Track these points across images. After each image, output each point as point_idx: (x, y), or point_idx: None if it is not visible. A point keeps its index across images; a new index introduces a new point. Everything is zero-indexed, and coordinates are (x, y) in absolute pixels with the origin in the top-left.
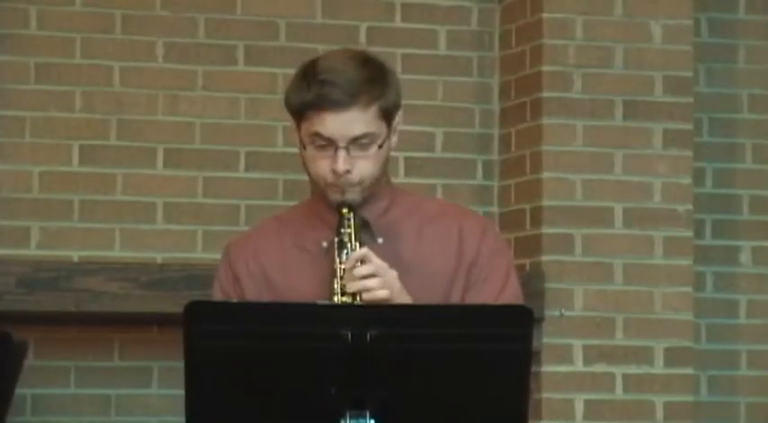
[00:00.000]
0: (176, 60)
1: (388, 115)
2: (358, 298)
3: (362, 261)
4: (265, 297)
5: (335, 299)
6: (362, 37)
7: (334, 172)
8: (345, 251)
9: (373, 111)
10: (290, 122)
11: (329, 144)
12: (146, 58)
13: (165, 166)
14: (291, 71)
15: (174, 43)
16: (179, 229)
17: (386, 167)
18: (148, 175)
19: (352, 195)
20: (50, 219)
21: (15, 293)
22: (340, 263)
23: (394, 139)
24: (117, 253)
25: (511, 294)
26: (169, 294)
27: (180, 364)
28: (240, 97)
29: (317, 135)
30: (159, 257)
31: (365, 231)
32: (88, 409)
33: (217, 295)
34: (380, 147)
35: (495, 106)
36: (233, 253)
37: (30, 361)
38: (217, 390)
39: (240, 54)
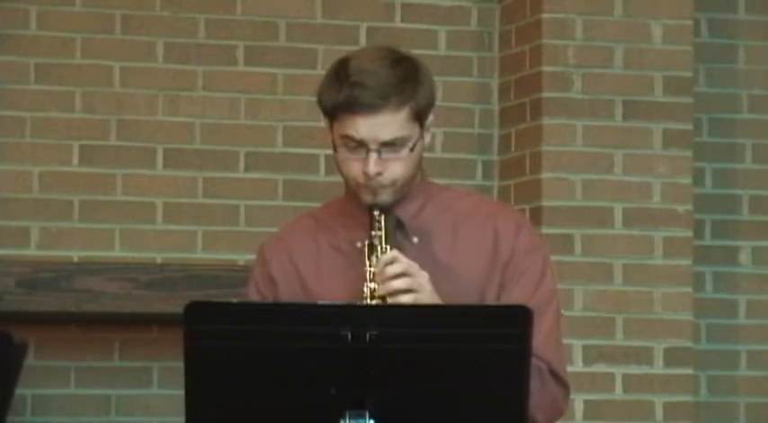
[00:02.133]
0: (176, 60)
1: (420, 116)
2: (387, 301)
3: (392, 263)
4: (299, 298)
5: (366, 303)
6: (362, 37)
7: (365, 174)
8: (376, 254)
9: (405, 113)
10: (293, 122)
11: (360, 146)
12: (146, 58)
13: (165, 166)
14: (291, 71)
15: (174, 43)
16: (179, 229)
17: (419, 166)
18: (148, 175)
19: (385, 197)
20: (50, 219)
21: (15, 293)
22: (370, 266)
23: (427, 137)
24: (117, 253)
25: (546, 291)
26: (169, 294)
27: (180, 364)
28: (240, 97)
29: (348, 137)
30: (159, 257)
31: (400, 231)
32: (88, 409)
33: (252, 296)
34: (412, 149)
35: (495, 106)
36: (268, 253)
37: (30, 361)
38: (217, 390)
39: (240, 54)
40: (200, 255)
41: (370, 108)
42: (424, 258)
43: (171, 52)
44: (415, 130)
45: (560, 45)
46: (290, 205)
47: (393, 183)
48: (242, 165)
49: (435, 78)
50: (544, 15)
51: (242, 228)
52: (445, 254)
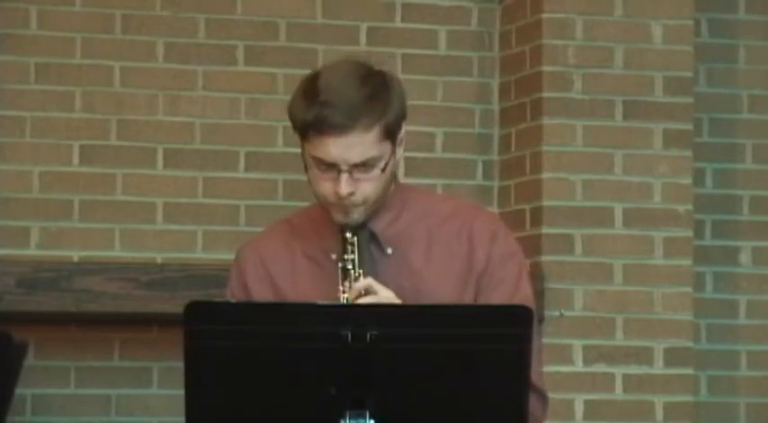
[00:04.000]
0: (176, 60)
1: (391, 133)
2: None
3: (366, 291)
4: None
5: None
6: (362, 37)
7: (337, 194)
8: (349, 279)
9: (375, 132)
10: (290, 122)
11: (331, 167)
12: (146, 58)
13: (165, 166)
14: (291, 71)
15: (174, 43)
16: (179, 229)
17: (392, 181)
18: (148, 175)
19: (356, 216)
20: (50, 219)
21: (15, 293)
22: (343, 292)
23: (400, 151)
24: (117, 253)
25: (522, 299)
26: (169, 294)
27: (180, 364)
28: (240, 97)
29: (319, 159)
30: (159, 257)
31: (373, 244)
32: (88, 409)
33: (227, 297)
34: (384, 170)
35: (495, 106)
36: (242, 259)
37: (30, 361)
38: (217, 390)
39: (240, 54)
40: (200, 255)
41: (339, 129)
42: (399, 267)
43: (171, 52)
44: (387, 148)
45: (560, 45)
46: (289, 205)
47: (365, 201)
48: (242, 165)
49: (435, 78)
50: (544, 15)
51: (242, 228)
52: (420, 262)
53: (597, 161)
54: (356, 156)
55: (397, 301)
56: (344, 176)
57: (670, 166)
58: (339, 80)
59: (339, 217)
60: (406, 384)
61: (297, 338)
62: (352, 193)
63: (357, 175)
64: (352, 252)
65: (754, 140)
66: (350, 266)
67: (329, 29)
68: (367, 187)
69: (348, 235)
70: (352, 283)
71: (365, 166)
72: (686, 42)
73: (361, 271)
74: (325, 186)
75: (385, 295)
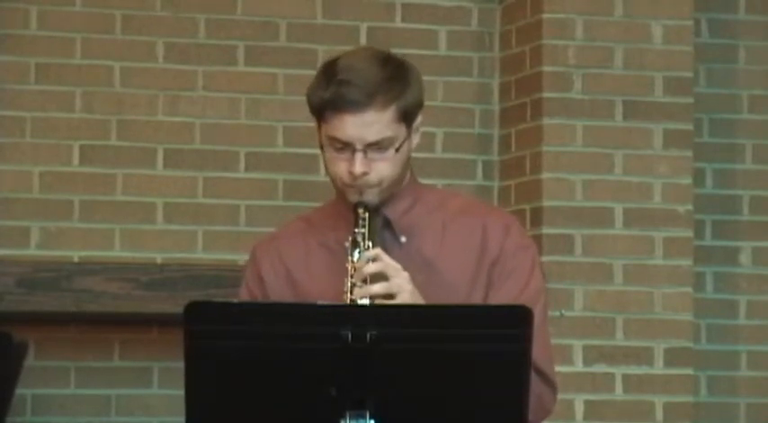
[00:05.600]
0: (176, 60)
1: (407, 116)
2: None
3: (374, 261)
4: (289, 298)
5: (345, 297)
6: (362, 37)
7: (351, 174)
8: (358, 250)
9: (391, 112)
10: (293, 122)
11: (346, 146)
12: (146, 58)
13: (165, 166)
14: (291, 71)
15: (174, 43)
16: (179, 229)
17: (407, 167)
18: (148, 175)
19: (371, 196)
20: (50, 219)
21: (15, 293)
22: (351, 261)
23: (416, 138)
24: (117, 253)
25: (534, 290)
26: (169, 294)
27: (180, 364)
28: (240, 97)
29: (335, 139)
30: (159, 257)
31: (388, 230)
32: (88, 409)
33: (243, 295)
34: (398, 150)
35: (496, 106)
36: (259, 254)
37: (30, 361)
38: (217, 390)
39: (240, 54)
40: (200, 255)
41: (356, 105)
42: (412, 256)
43: (171, 52)
44: (402, 130)
45: (560, 45)
46: (290, 205)
47: (379, 182)
48: (242, 165)
49: (435, 78)
50: (544, 15)
51: (242, 228)
52: (433, 251)
53: (597, 161)
54: (371, 134)
55: (404, 273)
56: (359, 155)
57: (670, 166)
58: (358, 62)
59: (354, 197)
60: (406, 384)
61: (297, 338)
62: (365, 173)
63: (371, 154)
64: (363, 226)
65: (754, 140)
66: (359, 238)
67: (329, 29)
68: (382, 168)
69: (360, 210)
70: (362, 253)
71: (380, 146)
72: (686, 42)
73: (370, 243)
74: (340, 167)
75: (390, 263)
